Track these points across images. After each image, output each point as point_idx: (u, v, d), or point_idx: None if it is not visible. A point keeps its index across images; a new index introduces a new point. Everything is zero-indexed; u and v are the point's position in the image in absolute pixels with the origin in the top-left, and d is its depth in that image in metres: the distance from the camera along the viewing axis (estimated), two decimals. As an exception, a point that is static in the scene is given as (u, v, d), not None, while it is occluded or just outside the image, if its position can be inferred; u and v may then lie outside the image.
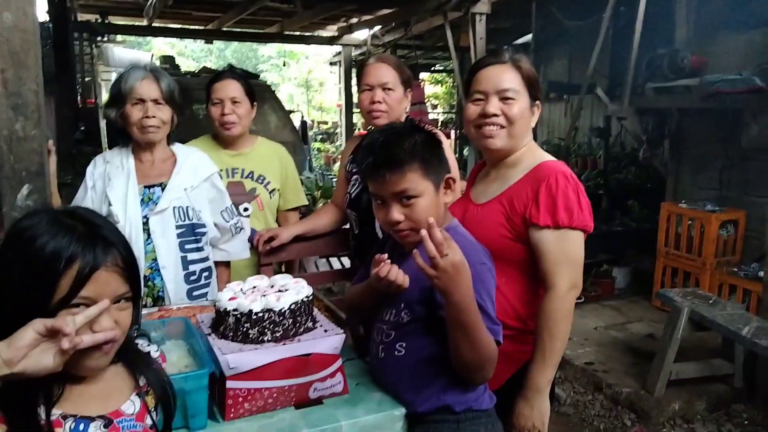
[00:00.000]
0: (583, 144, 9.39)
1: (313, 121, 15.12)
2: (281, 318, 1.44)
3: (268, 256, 2.52)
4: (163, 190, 2.15)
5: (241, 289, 1.56)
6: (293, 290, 1.52)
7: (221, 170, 2.54)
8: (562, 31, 7.67)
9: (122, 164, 2.16)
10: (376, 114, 2.28)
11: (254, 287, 1.59)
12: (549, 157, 1.75)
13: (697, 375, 3.37)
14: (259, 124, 6.68)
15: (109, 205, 2.10)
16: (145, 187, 2.15)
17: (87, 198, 2.15)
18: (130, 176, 2.14)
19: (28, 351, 0.90)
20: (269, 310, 1.43)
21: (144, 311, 1.95)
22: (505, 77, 1.69)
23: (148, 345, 1.23)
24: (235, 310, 1.44)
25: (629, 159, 7.89)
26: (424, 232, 1.26)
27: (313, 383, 1.45)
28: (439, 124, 12.88)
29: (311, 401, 1.46)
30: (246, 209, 2.59)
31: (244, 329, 1.43)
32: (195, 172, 2.23)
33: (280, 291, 1.53)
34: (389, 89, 2.27)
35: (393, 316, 1.50)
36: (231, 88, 2.50)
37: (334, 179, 11.78)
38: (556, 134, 10.30)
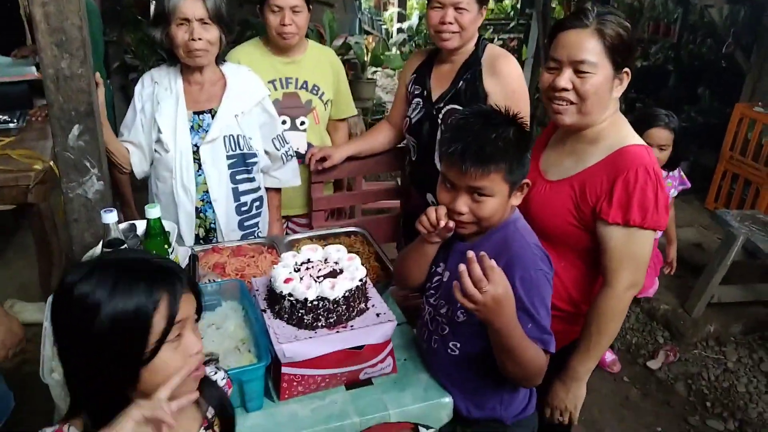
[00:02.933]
0: (658, 4, 8.53)
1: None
2: (335, 306, 1.44)
3: (319, 175, 2.49)
4: (213, 117, 2.08)
5: (296, 264, 1.55)
6: (347, 273, 1.51)
7: (274, 80, 2.44)
8: None
9: (171, 87, 2.07)
10: (447, 36, 2.11)
11: (308, 261, 1.58)
12: (634, 139, 1.58)
13: (739, 300, 3.36)
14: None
15: (159, 132, 2.05)
16: (194, 113, 2.08)
17: (137, 121, 2.09)
18: (179, 102, 2.06)
19: None
20: (324, 299, 1.43)
21: (198, 247, 1.99)
22: (583, 46, 1.50)
23: (215, 373, 1.22)
24: (290, 295, 1.44)
25: (707, 29, 7.18)
26: (462, 267, 1.21)
27: (364, 369, 1.49)
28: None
29: (361, 382, 1.52)
30: (303, 123, 2.51)
31: (299, 315, 1.44)
32: (245, 96, 2.14)
33: (333, 271, 1.52)
34: (463, 9, 2.06)
35: (449, 311, 1.48)
36: None
37: (384, 25, 11.21)
38: (629, -10, 9.37)
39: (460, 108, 2.14)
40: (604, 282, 1.58)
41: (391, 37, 10.14)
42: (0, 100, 3.34)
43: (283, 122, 2.45)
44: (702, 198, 4.76)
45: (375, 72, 6.42)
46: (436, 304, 1.54)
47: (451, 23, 2.08)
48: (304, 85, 2.51)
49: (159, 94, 2.07)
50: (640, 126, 2.57)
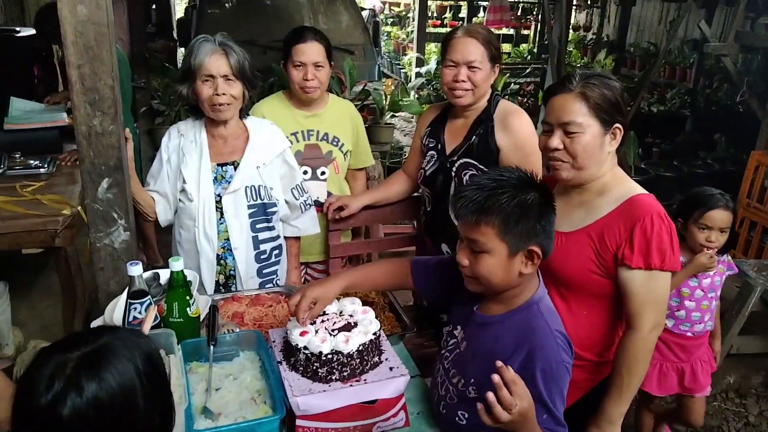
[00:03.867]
0: (673, 50, 8.65)
1: (384, 3, 14.36)
2: (349, 359, 1.48)
3: (336, 223, 2.55)
4: (235, 168, 2.16)
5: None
6: (361, 327, 1.55)
7: (296, 132, 2.53)
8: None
9: (196, 139, 2.16)
10: (460, 93, 2.18)
11: (324, 313, 1.62)
12: (639, 189, 1.68)
13: (759, 351, 3.31)
14: (331, 23, 6.44)
15: (183, 182, 2.13)
16: (218, 165, 2.16)
17: (163, 171, 2.17)
18: (203, 153, 2.14)
19: None
20: (338, 353, 1.47)
21: (217, 296, 2.04)
22: (568, 109, 1.61)
23: None
24: (305, 348, 1.49)
25: (723, 75, 7.23)
26: (492, 398, 1.21)
27: (377, 423, 1.52)
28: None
29: (374, 435, 1.54)
30: (323, 173, 2.59)
31: (314, 368, 1.48)
32: (267, 148, 2.22)
33: (348, 325, 1.56)
34: (475, 67, 2.14)
35: (461, 384, 1.49)
36: (314, 52, 2.41)
37: (403, 69, 11.41)
38: (647, 36, 9.53)
39: (473, 162, 2.20)
40: (629, 326, 1.65)
41: (410, 80, 10.34)
42: (32, 145, 3.47)
43: (305, 172, 2.54)
44: (721, 245, 4.71)
45: (393, 116, 6.54)
46: (449, 369, 1.56)
47: (464, 81, 2.16)
48: (325, 137, 2.60)
49: (185, 146, 2.16)
50: (696, 208, 2.36)
